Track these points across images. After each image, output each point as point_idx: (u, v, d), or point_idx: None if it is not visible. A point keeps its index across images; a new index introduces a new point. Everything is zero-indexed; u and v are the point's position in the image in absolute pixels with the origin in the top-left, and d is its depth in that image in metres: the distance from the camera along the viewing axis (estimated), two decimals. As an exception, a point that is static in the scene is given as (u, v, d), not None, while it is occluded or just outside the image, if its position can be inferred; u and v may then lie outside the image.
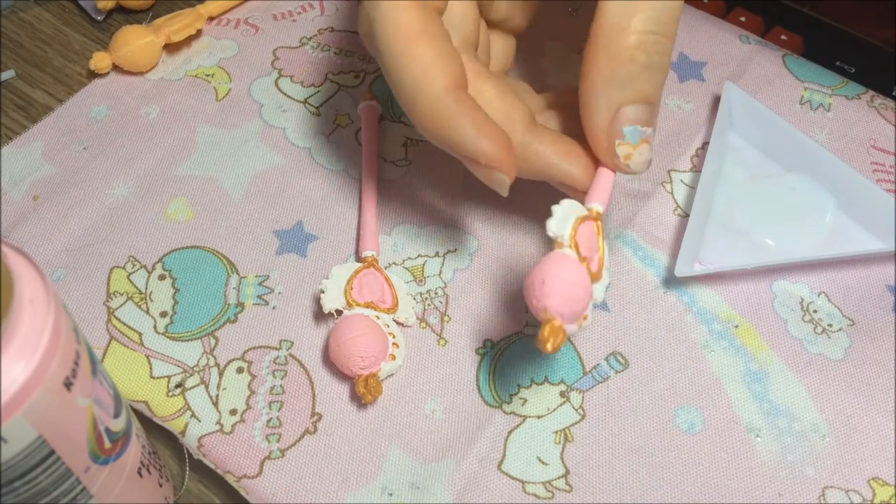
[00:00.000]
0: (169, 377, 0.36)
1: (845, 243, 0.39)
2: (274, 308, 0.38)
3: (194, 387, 0.35)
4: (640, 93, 0.31)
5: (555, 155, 0.33)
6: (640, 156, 0.32)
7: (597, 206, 0.32)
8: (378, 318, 0.36)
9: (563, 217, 0.30)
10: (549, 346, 0.29)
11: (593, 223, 0.31)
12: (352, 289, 0.36)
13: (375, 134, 0.43)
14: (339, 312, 0.36)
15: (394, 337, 0.36)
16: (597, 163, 0.33)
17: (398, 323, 0.37)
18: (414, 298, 0.38)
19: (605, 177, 0.33)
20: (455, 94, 0.31)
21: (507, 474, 0.34)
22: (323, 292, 0.36)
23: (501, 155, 0.31)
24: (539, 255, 0.39)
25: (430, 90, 0.31)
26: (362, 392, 0.34)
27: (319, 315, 0.37)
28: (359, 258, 0.38)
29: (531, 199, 0.41)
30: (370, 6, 0.32)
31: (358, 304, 0.36)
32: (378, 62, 0.33)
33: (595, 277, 0.31)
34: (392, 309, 0.37)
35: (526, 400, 0.35)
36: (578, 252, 0.30)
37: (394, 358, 0.35)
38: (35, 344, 0.22)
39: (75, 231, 0.40)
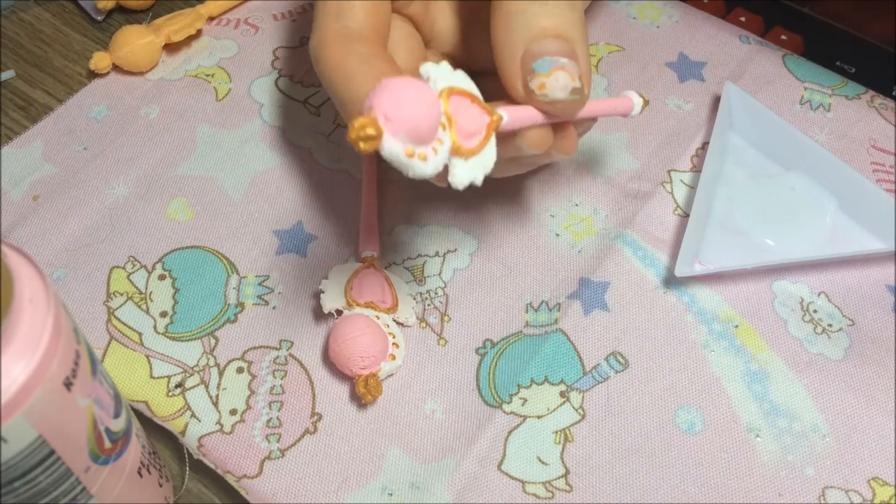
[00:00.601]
0: (169, 377, 0.36)
1: (845, 243, 0.39)
2: (274, 308, 0.38)
3: (194, 387, 0.35)
4: (543, 28, 0.30)
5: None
6: (555, 82, 0.30)
7: (503, 112, 0.29)
8: (378, 318, 0.36)
9: (447, 73, 0.27)
10: (352, 134, 0.24)
11: (488, 116, 0.28)
12: (352, 289, 0.36)
13: None
14: (339, 312, 0.36)
15: (394, 337, 0.36)
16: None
17: (398, 323, 0.37)
18: (414, 298, 0.38)
19: (529, 108, 0.31)
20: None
21: (507, 474, 0.34)
22: (323, 292, 0.36)
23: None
24: (539, 254, 0.39)
25: (355, 93, 0.31)
26: (362, 392, 0.34)
27: (319, 315, 0.37)
28: (359, 258, 0.38)
29: (531, 199, 0.41)
30: (310, 53, 0.34)
31: (358, 304, 0.36)
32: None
33: (467, 152, 0.28)
34: (392, 309, 0.37)
35: (526, 400, 0.35)
36: (446, 105, 0.27)
37: (394, 358, 0.35)
38: (35, 344, 0.22)
39: (75, 231, 0.40)
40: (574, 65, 0.31)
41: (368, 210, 0.40)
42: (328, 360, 0.36)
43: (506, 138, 0.31)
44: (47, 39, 0.48)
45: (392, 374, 0.36)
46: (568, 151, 0.34)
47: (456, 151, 0.27)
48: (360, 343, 0.34)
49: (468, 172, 0.28)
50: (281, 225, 0.40)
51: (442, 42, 0.38)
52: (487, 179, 0.43)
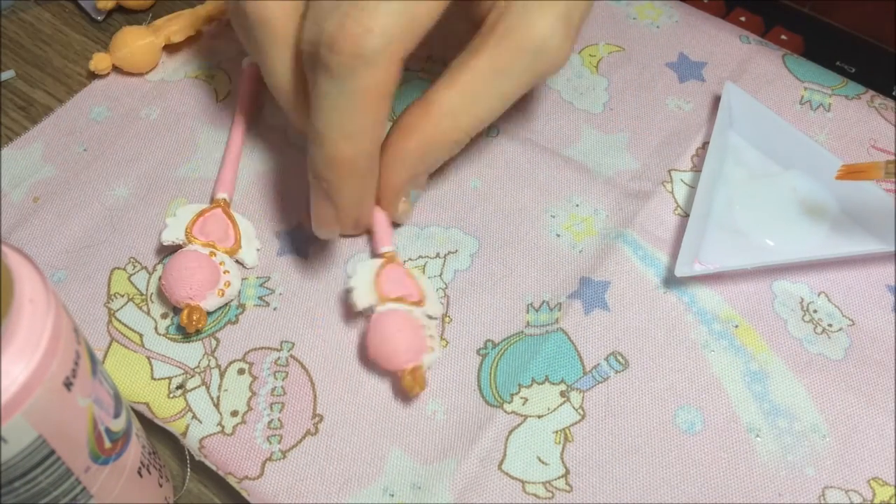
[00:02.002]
0: (170, 378, 0.36)
1: (845, 243, 0.39)
2: (275, 309, 0.38)
3: (195, 388, 0.35)
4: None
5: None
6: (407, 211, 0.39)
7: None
8: (410, 311, 0.36)
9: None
10: (190, 330, 0.35)
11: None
12: (381, 284, 0.36)
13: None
14: (370, 309, 0.36)
15: (428, 329, 0.36)
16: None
17: (428, 316, 0.37)
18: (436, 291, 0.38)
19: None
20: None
21: (507, 474, 0.34)
22: (353, 289, 0.36)
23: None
24: (540, 254, 0.39)
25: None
26: (409, 384, 0.34)
27: (320, 316, 0.37)
28: (376, 255, 0.38)
29: (532, 200, 0.41)
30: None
31: (390, 300, 0.36)
32: None
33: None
34: (420, 302, 0.36)
35: (526, 399, 0.35)
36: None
37: (432, 350, 0.35)
38: (35, 344, 0.22)
39: (76, 232, 0.40)
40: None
41: (377, 210, 0.39)
42: (329, 361, 0.36)
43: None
44: (47, 39, 0.48)
45: (430, 367, 0.36)
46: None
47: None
48: (401, 338, 0.34)
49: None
50: (281, 225, 0.40)
51: None
52: (487, 180, 0.43)
